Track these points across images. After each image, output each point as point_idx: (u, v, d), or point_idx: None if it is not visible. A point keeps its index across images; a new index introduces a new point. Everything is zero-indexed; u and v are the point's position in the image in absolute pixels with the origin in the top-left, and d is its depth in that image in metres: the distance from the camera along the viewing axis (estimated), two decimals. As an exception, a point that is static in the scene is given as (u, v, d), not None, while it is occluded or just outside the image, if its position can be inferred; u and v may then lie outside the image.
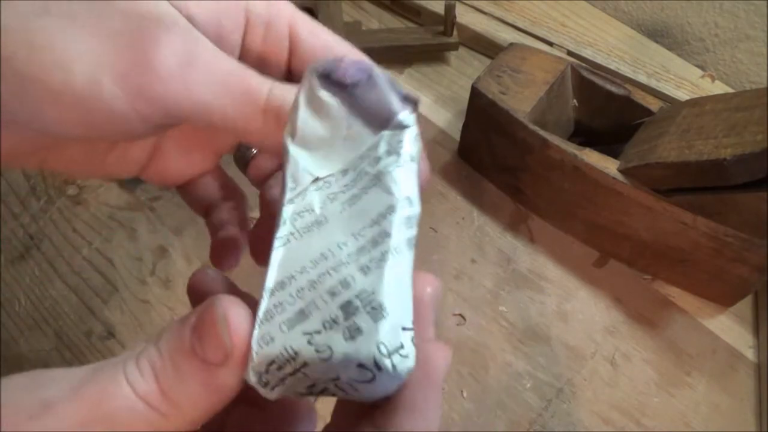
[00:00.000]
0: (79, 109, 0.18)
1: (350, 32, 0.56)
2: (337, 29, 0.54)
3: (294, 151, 0.19)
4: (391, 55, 0.59)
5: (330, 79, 0.19)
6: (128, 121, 0.18)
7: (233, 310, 0.16)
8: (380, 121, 0.19)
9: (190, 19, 0.19)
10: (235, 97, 0.19)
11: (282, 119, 0.19)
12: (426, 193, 0.54)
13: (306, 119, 0.19)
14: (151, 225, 0.49)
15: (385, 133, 0.19)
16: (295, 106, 0.19)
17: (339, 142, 0.19)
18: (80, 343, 0.43)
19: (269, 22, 0.21)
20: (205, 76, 0.18)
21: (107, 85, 0.17)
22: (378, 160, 0.18)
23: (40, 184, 0.51)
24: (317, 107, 0.19)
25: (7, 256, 0.47)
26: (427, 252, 0.48)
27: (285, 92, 0.19)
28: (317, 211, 0.18)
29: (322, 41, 0.23)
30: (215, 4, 0.20)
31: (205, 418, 0.16)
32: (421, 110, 0.56)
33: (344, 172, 0.19)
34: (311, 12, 0.59)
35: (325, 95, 0.19)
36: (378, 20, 0.62)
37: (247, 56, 0.22)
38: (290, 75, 0.23)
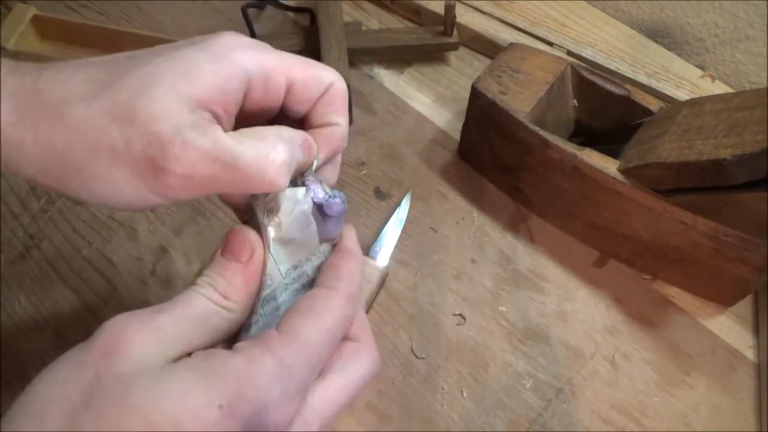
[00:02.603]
0: (128, 206, 0.26)
1: (350, 32, 0.56)
2: (337, 29, 0.54)
3: (274, 248, 0.26)
4: (391, 55, 0.59)
5: (321, 208, 0.27)
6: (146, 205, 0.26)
7: (247, 229, 0.26)
8: (327, 239, 0.28)
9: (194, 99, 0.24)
10: (234, 184, 0.25)
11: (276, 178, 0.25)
12: (426, 193, 0.55)
13: (289, 226, 0.26)
14: (151, 225, 0.49)
15: (323, 247, 0.28)
16: (285, 212, 0.26)
17: (300, 246, 0.27)
18: (80, 343, 0.43)
19: (267, 77, 0.26)
20: (205, 178, 0.24)
21: (145, 193, 0.25)
22: (315, 267, 0.28)
23: (40, 184, 0.51)
24: (301, 221, 0.26)
25: (7, 256, 0.47)
26: (427, 252, 0.48)
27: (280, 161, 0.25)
28: (278, 300, 0.27)
29: (309, 73, 0.28)
30: (215, 80, 0.24)
31: (249, 303, 0.25)
32: (421, 110, 0.56)
33: (295, 267, 0.27)
34: (311, 12, 0.59)
35: (311, 216, 0.27)
36: (378, 20, 0.62)
37: (247, 105, 0.26)
38: (283, 110, 0.28)
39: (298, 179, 0.27)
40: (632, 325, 0.46)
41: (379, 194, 0.51)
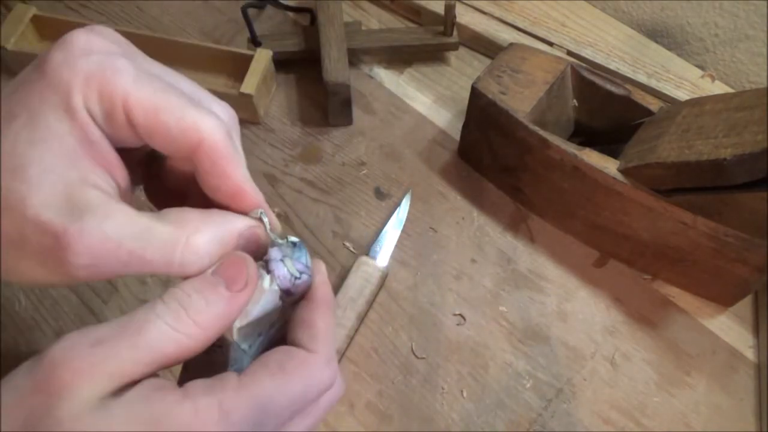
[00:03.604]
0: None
1: (350, 32, 0.56)
2: (337, 29, 0.54)
3: (237, 336, 0.25)
4: (391, 55, 0.59)
5: (288, 290, 0.26)
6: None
7: (250, 260, 0.24)
8: (291, 305, 0.27)
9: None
10: (145, 265, 0.22)
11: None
12: (426, 193, 0.55)
13: (256, 313, 0.25)
14: (151, 225, 0.49)
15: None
16: (251, 301, 0.24)
17: (265, 320, 0.26)
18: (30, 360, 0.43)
19: (106, 113, 0.22)
20: (110, 263, 0.22)
21: (54, 278, 0.22)
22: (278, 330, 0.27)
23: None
24: (267, 305, 0.25)
25: (7, 256, 0.47)
26: (427, 252, 0.48)
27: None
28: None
29: (154, 121, 0.23)
30: (70, 138, 0.22)
31: (213, 337, 0.23)
32: (421, 110, 0.56)
33: (260, 334, 0.26)
34: (311, 12, 0.59)
35: (278, 299, 0.26)
36: (378, 20, 0.62)
37: (112, 139, 0.23)
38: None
39: (261, 260, 0.26)
40: (632, 325, 0.46)
41: (379, 194, 0.51)
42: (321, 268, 0.28)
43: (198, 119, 0.23)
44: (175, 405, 0.21)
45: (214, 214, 0.24)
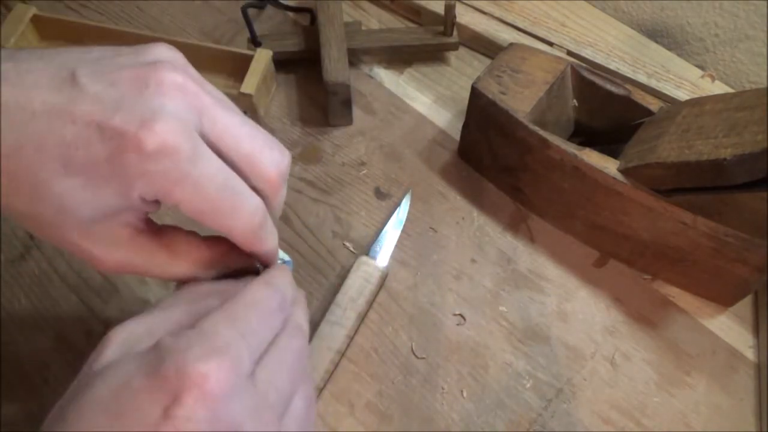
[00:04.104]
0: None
1: (350, 32, 0.56)
2: (337, 29, 0.54)
3: None
4: (391, 55, 0.59)
5: None
6: None
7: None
8: None
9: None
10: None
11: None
12: (426, 193, 0.55)
13: None
14: (151, 225, 0.49)
15: None
16: None
17: None
18: (80, 343, 0.43)
19: (154, 199, 0.26)
20: None
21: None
22: None
23: (40, 184, 0.51)
24: None
25: (7, 256, 0.47)
26: (427, 252, 0.48)
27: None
28: None
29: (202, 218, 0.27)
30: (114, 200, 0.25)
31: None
32: (421, 110, 0.56)
33: None
34: (311, 12, 0.59)
35: None
36: (378, 20, 0.62)
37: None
38: None
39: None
40: (632, 325, 0.46)
41: (379, 194, 0.51)
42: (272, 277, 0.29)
43: (232, 225, 0.26)
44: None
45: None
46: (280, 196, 0.29)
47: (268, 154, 0.27)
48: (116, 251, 0.27)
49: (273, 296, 0.27)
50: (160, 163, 0.23)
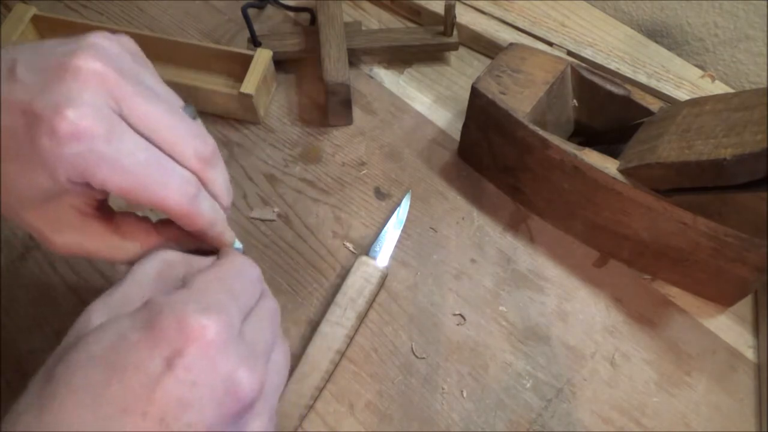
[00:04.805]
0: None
1: (350, 32, 0.56)
2: (337, 29, 0.54)
3: None
4: (391, 55, 0.59)
5: None
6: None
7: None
8: None
9: None
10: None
11: None
12: (426, 193, 0.55)
13: None
14: (151, 225, 0.49)
15: None
16: None
17: None
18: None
19: (81, 183, 0.27)
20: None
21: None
22: None
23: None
24: None
25: (7, 256, 0.47)
26: (427, 252, 0.48)
27: None
28: None
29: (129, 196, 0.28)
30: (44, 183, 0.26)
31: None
32: (421, 110, 0.56)
33: None
34: (311, 12, 0.59)
35: None
36: (378, 20, 0.62)
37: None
38: None
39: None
40: (632, 325, 0.46)
41: (379, 194, 0.51)
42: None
43: (164, 197, 0.27)
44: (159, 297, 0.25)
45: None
46: (213, 176, 0.29)
47: (191, 142, 0.28)
48: (66, 233, 0.28)
49: (253, 267, 0.29)
50: (74, 147, 0.24)
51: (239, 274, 0.28)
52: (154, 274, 0.28)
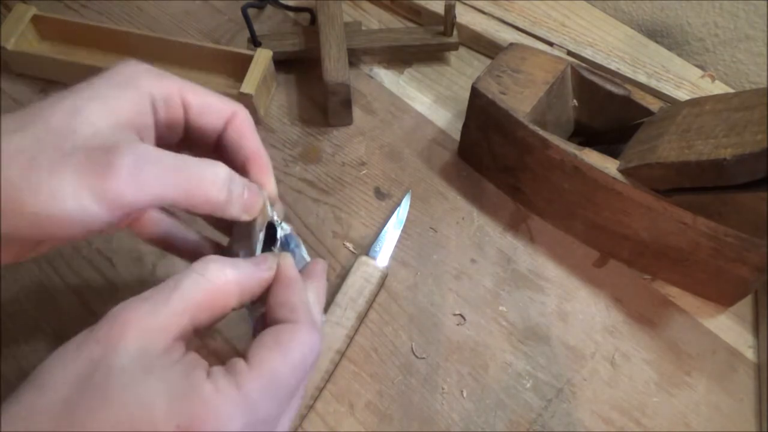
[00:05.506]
0: (69, 224, 0.25)
1: (350, 32, 0.56)
2: (337, 29, 0.54)
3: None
4: (391, 55, 0.59)
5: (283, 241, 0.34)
6: (100, 224, 0.25)
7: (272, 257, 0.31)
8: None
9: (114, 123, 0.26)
10: (180, 186, 0.26)
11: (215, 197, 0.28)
12: (426, 193, 0.55)
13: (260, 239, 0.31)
14: (151, 225, 0.49)
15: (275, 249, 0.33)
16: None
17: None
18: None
19: (167, 98, 0.29)
20: (153, 176, 0.25)
21: (88, 203, 0.24)
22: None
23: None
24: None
25: (7, 256, 0.47)
26: (427, 252, 0.48)
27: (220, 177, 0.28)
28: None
29: (204, 101, 0.30)
30: (129, 104, 0.27)
31: (243, 293, 0.28)
32: (421, 110, 0.56)
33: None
34: (311, 12, 0.59)
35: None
36: (378, 20, 0.62)
37: (157, 126, 0.29)
38: (188, 128, 0.31)
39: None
40: (632, 325, 0.46)
41: (379, 194, 0.51)
42: (288, 259, 0.31)
43: (231, 102, 0.31)
44: (201, 382, 0.23)
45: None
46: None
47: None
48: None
49: (318, 345, 0.27)
50: None
51: (303, 362, 0.26)
52: (198, 298, 0.26)
